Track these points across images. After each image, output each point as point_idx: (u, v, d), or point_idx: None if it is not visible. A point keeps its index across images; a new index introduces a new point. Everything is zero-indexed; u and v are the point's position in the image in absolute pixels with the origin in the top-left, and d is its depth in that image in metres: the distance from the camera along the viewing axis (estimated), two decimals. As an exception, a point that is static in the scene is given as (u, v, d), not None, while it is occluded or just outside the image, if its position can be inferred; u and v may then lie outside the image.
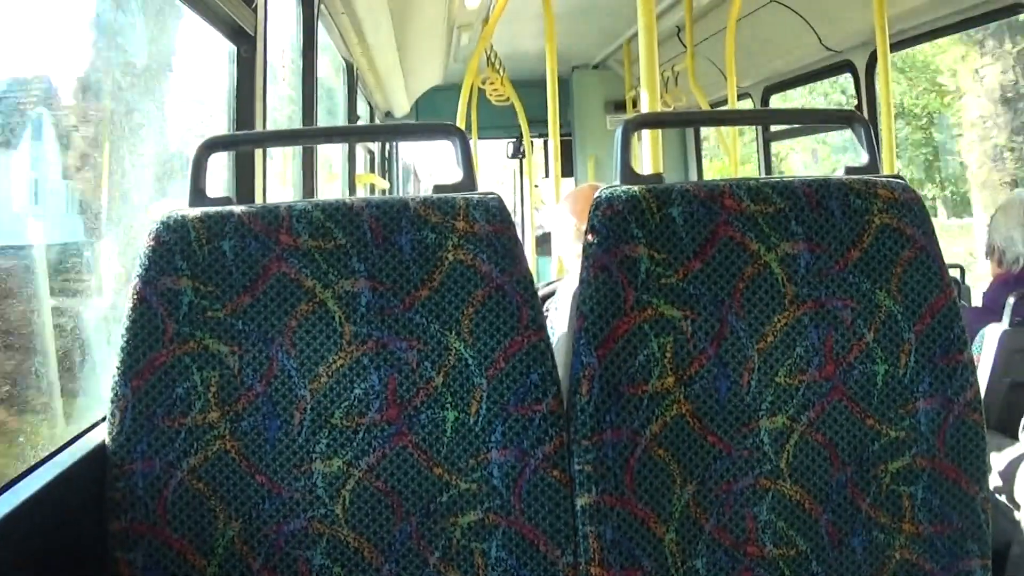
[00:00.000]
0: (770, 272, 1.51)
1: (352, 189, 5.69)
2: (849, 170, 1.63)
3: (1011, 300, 2.88)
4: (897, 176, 1.60)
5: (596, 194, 1.55)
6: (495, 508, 1.46)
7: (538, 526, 1.46)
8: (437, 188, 1.56)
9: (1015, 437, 2.64)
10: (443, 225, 1.48)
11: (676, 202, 1.52)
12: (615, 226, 1.51)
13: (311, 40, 3.66)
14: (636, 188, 1.54)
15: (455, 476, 1.46)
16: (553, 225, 2.94)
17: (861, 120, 1.65)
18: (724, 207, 1.52)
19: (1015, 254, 3.11)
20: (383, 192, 7.47)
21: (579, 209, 2.69)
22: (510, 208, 1.58)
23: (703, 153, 8.35)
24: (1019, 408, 2.74)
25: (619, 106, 8.26)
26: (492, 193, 1.53)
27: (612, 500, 1.47)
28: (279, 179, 3.87)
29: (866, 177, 1.58)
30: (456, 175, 1.57)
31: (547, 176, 6.32)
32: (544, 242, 7.34)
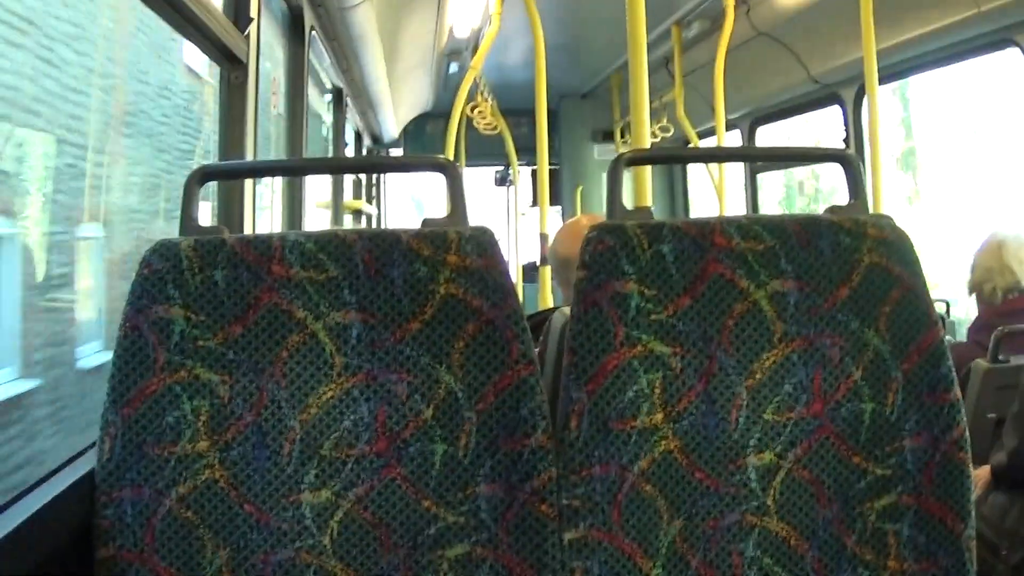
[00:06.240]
0: (759, 309, 1.52)
1: (339, 216, 5.70)
2: (838, 209, 1.63)
3: (995, 336, 2.91)
4: (886, 214, 1.61)
5: (587, 230, 1.56)
6: (483, 541, 1.45)
7: (525, 560, 1.45)
8: (428, 222, 1.56)
9: None
10: (435, 259, 1.49)
11: (667, 239, 1.53)
12: (606, 262, 1.51)
13: (300, 67, 3.66)
14: (627, 224, 1.54)
15: (443, 509, 1.46)
16: (553, 254, 2.93)
17: (851, 158, 1.66)
18: (714, 244, 1.53)
19: (992, 287, 3.20)
20: (369, 219, 7.48)
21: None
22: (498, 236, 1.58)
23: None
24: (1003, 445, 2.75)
25: (607, 135, 8.30)
26: (483, 227, 1.54)
27: (599, 535, 1.47)
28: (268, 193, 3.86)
29: (856, 215, 1.59)
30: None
31: (534, 205, 6.35)
32: (531, 271, 7.35)
